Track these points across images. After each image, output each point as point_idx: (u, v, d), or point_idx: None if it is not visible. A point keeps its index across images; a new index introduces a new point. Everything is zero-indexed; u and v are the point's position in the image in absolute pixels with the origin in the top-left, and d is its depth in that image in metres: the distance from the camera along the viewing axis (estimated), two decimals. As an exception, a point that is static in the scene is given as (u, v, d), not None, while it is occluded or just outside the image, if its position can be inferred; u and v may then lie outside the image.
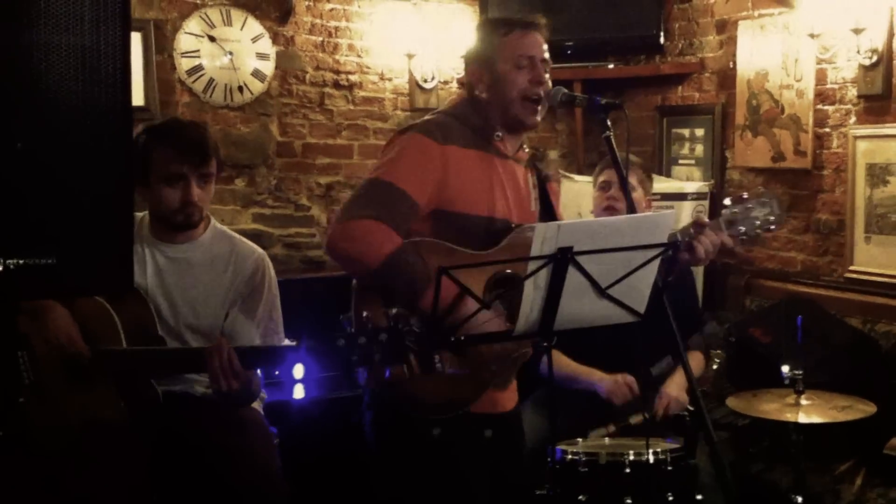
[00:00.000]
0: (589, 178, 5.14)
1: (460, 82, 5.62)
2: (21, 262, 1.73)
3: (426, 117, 2.76)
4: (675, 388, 3.43)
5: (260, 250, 3.12)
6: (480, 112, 2.71)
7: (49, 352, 2.73)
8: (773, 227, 2.75)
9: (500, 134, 2.71)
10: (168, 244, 3.00)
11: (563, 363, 3.49)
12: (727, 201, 2.74)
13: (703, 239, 2.64)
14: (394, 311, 2.30)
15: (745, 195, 2.74)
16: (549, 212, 2.81)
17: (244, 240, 3.16)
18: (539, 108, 2.69)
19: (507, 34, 2.70)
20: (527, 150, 2.83)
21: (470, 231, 2.59)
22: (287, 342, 3.08)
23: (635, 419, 3.27)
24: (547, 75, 2.71)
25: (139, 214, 3.04)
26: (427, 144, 2.59)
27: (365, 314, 2.33)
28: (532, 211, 2.78)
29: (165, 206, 2.92)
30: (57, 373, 2.74)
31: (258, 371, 2.96)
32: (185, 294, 2.98)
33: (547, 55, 2.72)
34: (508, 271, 2.53)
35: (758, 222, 2.72)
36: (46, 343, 2.73)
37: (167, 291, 2.96)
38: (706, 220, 2.71)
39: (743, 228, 2.71)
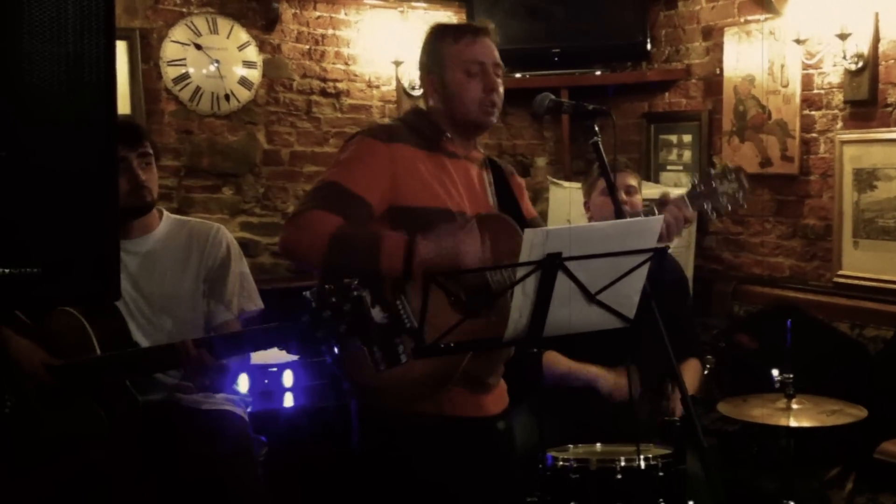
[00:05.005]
0: (576, 185, 5.15)
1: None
2: (5, 271, 1.72)
3: (375, 123, 2.79)
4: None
5: (216, 224, 3.14)
6: (429, 118, 2.73)
7: (19, 379, 2.71)
8: (741, 200, 2.78)
9: (450, 135, 2.71)
10: (128, 240, 2.99)
11: (560, 361, 3.47)
12: (693, 178, 2.78)
13: (664, 215, 2.65)
14: (355, 281, 2.28)
15: (712, 171, 2.78)
16: (510, 206, 2.80)
17: (198, 220, 3.19)
18: (494, 109, 2.70)
19: (455, 42, 2.70)
20: (481, 150, 2.84)
21: (428, 224, 2.56)
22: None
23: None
24: (500, 79, 2.72)
25: None
26: (372, 144, 2.61)
27: (327, 287, 2.31)
28: (489, 205, 2.77)
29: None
30: (34, 388, 2.72)
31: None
32: (158, 287, 2.98)
33: (499, 59, 2.72)
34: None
35: (724, 198, 2.76)
36: (14, 373, 2.71)
37: (139, 287, 2.96)
38: (670, 196, 2.73)
39: (709, 203, 2.74)
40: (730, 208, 2.80)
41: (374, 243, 2.44)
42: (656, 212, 2.69)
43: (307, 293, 2.31)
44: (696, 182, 2.75)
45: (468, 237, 2.44)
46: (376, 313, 2.32)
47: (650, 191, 4.98)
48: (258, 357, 3.22)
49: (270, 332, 2.56)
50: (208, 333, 3.00)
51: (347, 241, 2.45)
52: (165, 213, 3.12)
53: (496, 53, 2.73)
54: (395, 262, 2.41)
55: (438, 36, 2.76)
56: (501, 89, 2.72)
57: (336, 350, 2.34)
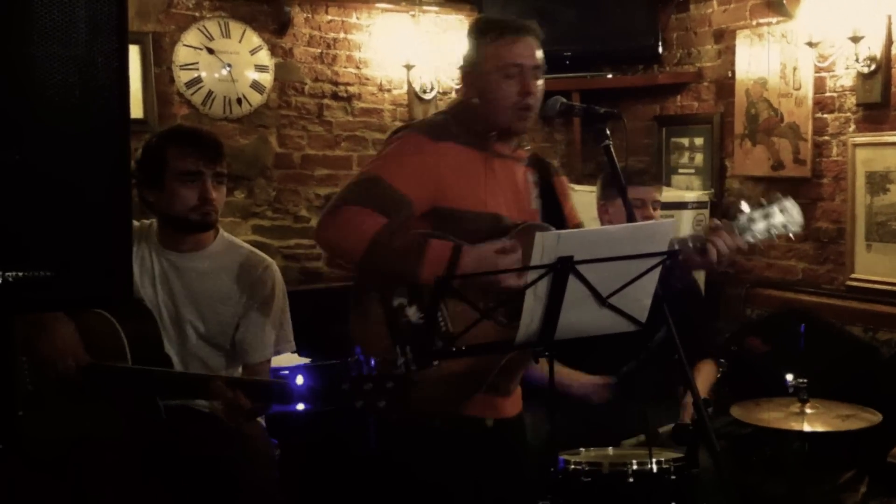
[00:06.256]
0: (588, 188, 5.13)
1: (459, 93, 5.63)
2: (19, 274, 1.72)
3: (423, 118, 2.75)
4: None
5: (269, 259, 3.10)
6: (476, 114, 2.66)
7: (49, 361, 2.73)
8: (791, 233, 2.73)
9: (495, 134, 2.66)
10: (177, 252, 2.99)
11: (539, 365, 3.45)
12: (744, 206, 2.70)
13: (717, 242, 2.59)
14: (401, 360, 2.26)
15: (764, 201, 2.72)
16: (553, 209, 2.77)
17: (253, 249, 3.14)
18: (529, 114, 2.64)
19: (495, 40, 2.62)
20: (527, 148, 2.79)
21: (471, 228, 2.54)
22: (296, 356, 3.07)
23: (664, 429, 3.24)
24: (540, 81, 2.65)
25: (147, 222, 3.03)
26: (420, 141, 2.57)
27: (374, 361, 2.29)
28: (533, 209, 2.74)
29: (181, 206, 2.90)
30: (56, 383, 2.73)
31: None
32: (193, 304, 2.97)
33: (540, 61, 2.65)
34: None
35: (774, 230, 2.70)
36: (47, 353, 2.72)
37: (175, 301, 2.96)
38: (721, 223, 2.67)
39: (759, 235, 2.68)
40: (776, 240, 2.76)
41: (417, 249, 2.41)
42: (706, 236, 2.65)
43: (351, 360, 2.29)
44: (749, 211, 2.69)
45: (510, 253, 2.42)
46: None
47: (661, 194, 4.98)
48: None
49: (308, 392, 2.55)
50: (238, 364, 3.02)
51: (389, 244, 2.42)
52: (221, 232, 3.10)
53: (538, 54, 2.65)
54: (437, 271, 2.36)
55: (479, 32, 2.68)
56: (540, 92, 2.65)
57: (370, 419, 2.33)
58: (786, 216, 2.70)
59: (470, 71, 2.69)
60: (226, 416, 2.71)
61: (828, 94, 4.58)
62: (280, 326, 3.06)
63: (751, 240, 2.67)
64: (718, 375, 3.79)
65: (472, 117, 2.67)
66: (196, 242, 3.01)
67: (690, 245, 2.61)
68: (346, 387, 2.27)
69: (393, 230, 2.45)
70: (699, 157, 5.41)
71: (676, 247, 2.53)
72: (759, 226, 2.67)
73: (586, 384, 3.41)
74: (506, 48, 2.61)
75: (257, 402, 2.71)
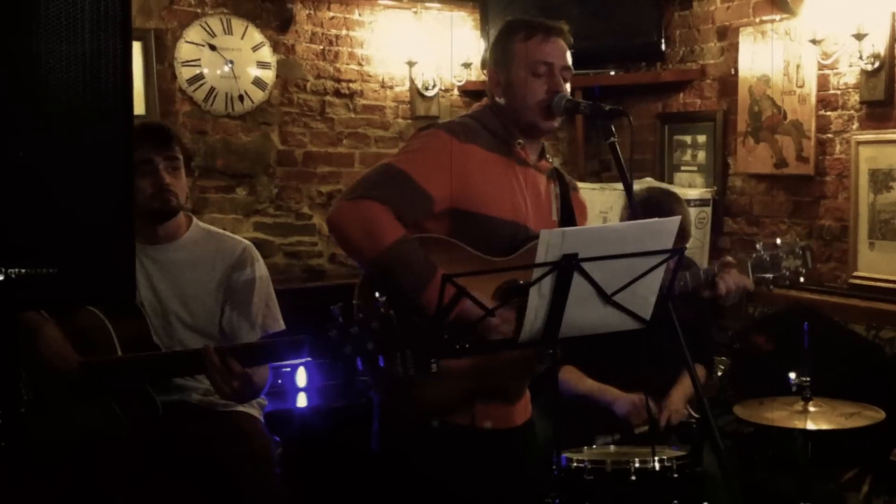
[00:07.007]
0: (591, 186, 5.13)
1: (462, 90, 5.62)
2: (22, 271, 1.72)
3: (450, 119, 2.75)
4: (676, 398, 3.42)
5: (245, 241, 3.10)
6: (501, 118, 2.68)
7: (48, 362, 2.72)
8: (801, 278, 2.77)
9: (522, 142, 2.67)
10: (152, 246, 2.98)
11: (580, 381, 3.46)
12: (759, 246, 2.76)
13: (727, 278, 2.65)
14: (383, 298, 2.26)
15: (778, 241, 2.76)
16: (569, 223, 2.76)
17: (228, 234, 3.15)
18: (556, 114, 2.66)
19: (527, 39, 2.65)
20: (550, 160, 2.80)
21: (489, 233, 2.56)
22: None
23: (640, 429, 3.25)
24: (567, 84, 2.68)
25: None
26: (448, 141, 2.57)
27: (355, 303, 2.29)
28: (553, 220, 2.74)
29: (139, 196, 2.85)
30: (56, 386, 2.73)
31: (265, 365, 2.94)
32: (177, 295, 2.97)
33: (569, 62, 2.69)
34: (521, 282, 2.49)
35: (786, 272, 2.74)
36: (44, 356, 2.72)
37: (158, 294, 2.95)
38: (733, 260, 2.72)
39: (770, 276, 2.72)
40: (787, 283, 2.78)
41: (427, 274, 2.41)
42: (717, 272, 2.69)
43: (334, 308, 2.29)
44: (762, 251, 2.74)
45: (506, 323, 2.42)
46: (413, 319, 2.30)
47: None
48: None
49: (296, 345, 2.55)
50: None
51: (403, 258, 2.42)
52: (195, 220, 3.09)
53: (567, 55, 2.69)
54: (435, 300, 2.31)
55: (510, 31, 2.70)
56: (568, 93, 2.67)
57: (361, 366, 2.33)
58: (798, 261, 2.74)
59: (497, 68, 2.70)
60: (220, 390, 2.68)
61: (831, 91, 4.57)
62: (266, 306, 3.05)
63: (760, 280, 2.71)
64: (719, 374, 3.78)
65: (496, 121, 2.68)
66: (170, 233, 3.00)
67: (702, 276, 2.67)
68: (332, 333, 2.27)
69: (410, 244, 2.44)
70: (702, 155, 5.40)
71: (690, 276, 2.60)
72: (771, 267, 2.72)
73: (627, 402, 3.38)
74: (536, 47, 2.64)
75: (249, 365, 2.69)
